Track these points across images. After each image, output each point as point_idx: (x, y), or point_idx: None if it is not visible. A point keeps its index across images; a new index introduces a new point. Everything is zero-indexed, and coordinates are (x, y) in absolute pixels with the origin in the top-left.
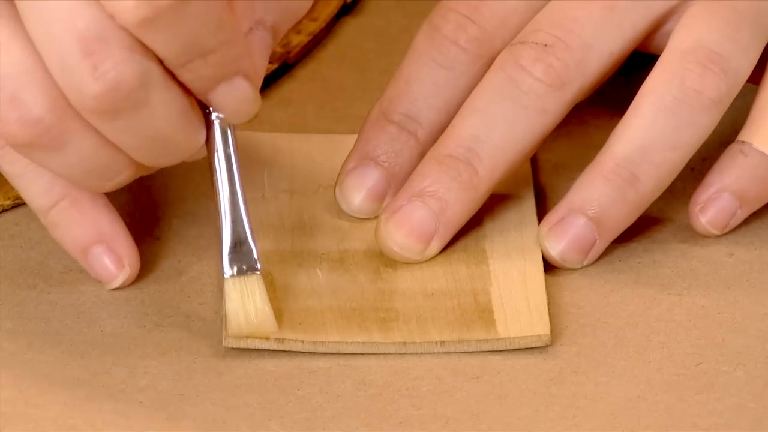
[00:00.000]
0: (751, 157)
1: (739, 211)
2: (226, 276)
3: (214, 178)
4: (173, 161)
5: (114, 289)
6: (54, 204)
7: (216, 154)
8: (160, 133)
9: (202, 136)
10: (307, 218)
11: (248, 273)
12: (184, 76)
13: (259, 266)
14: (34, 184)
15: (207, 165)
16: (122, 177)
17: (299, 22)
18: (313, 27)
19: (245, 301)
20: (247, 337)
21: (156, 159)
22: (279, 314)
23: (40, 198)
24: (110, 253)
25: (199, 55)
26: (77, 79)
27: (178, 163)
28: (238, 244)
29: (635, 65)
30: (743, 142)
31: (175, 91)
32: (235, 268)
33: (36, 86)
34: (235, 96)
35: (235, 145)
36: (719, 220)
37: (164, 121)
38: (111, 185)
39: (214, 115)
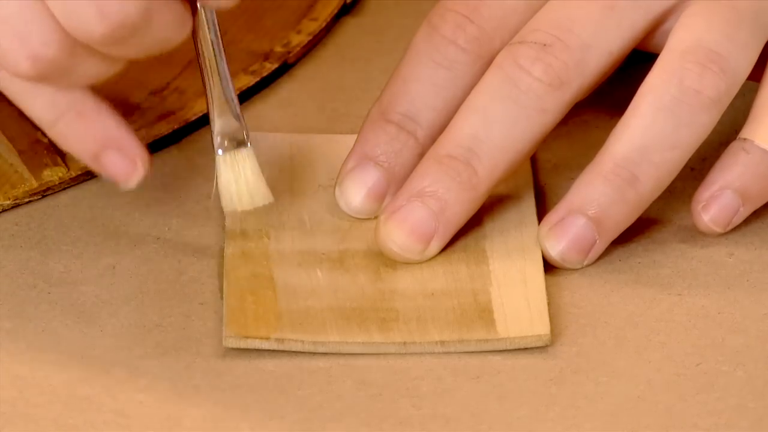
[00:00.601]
0: (753, 154)
1: (741, 209)
2: (218, 154)
3: (200, 61)
4: (163, 51)
5: (130, 188)
6: (60, 116)
7: (202, 40)
8: (159, 42)
9: (190, 24)
10: (307, 218)
11: (239, 148)
12: None
13: (249, 142)
14: (38, 100)
15: (203, 171)
16: (117, 72)
17: (299, 23)
18: (313, 27)
19: (237, 175)
20: (247, 338)
21: (151, 55)
22: (279, 314)
23: (45, 113)
24: (122, 154)
25: None
26: (83, 21)
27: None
28: (228, 123)
29: (635, 64)
30: (745, 139)
31: (172, 4)
32: (226, 143)
33: (44, 23)
34: None
35: (219, 29)
36: (722, 217)
37: (164, 33)
38: (105, 78)
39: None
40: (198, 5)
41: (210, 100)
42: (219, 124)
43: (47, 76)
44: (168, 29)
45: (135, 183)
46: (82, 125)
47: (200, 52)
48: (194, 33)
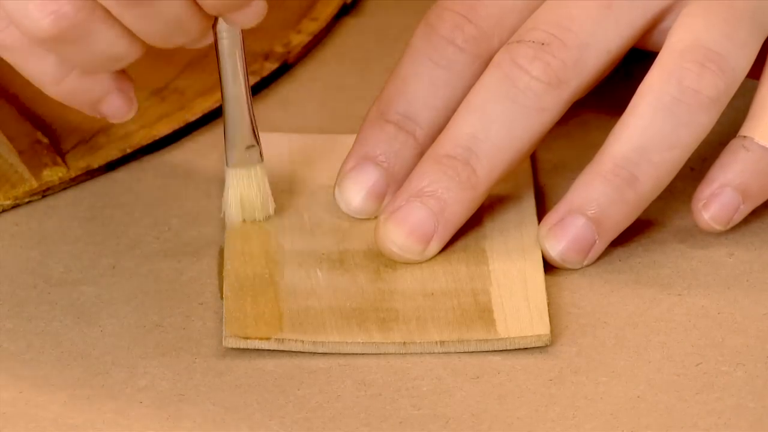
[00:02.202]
0: (752, 151)
1: (742, 206)
2: (228, 167)
3: (222, 81)
4: (180, 44)
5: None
6: (68, 72)
7: (224, 57)
8: (177, 18)
9: (210, 20)
10: (307, 218)
11: (254, 164)
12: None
13: (263, 158)
14: (48, 56)
15: (203, 171)
16: (132, 59)
17: (299, 23)
18: (313, 27)
19: (249, 189)
20: (247, 338)
21: (166, 42)
22: (279, 314)
23: (54, 68)
24: (123, 95)
25: None
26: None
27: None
28: (243, 139)
29: (633, 63)
30: (745, 136)
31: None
32: (240, 157)
33: None
34: (254, 14)
35: (243, 49)
36: (722, 215)
37: (181, 7)
38: (120, 66)
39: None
40: (216, 26)
41: (228, 116)
42: (236, 140)
43: (66, 38)
44: (185, 3)
45: (131, 116)
46: (90, 77)
47: (224, 71)
48: (216, 50)
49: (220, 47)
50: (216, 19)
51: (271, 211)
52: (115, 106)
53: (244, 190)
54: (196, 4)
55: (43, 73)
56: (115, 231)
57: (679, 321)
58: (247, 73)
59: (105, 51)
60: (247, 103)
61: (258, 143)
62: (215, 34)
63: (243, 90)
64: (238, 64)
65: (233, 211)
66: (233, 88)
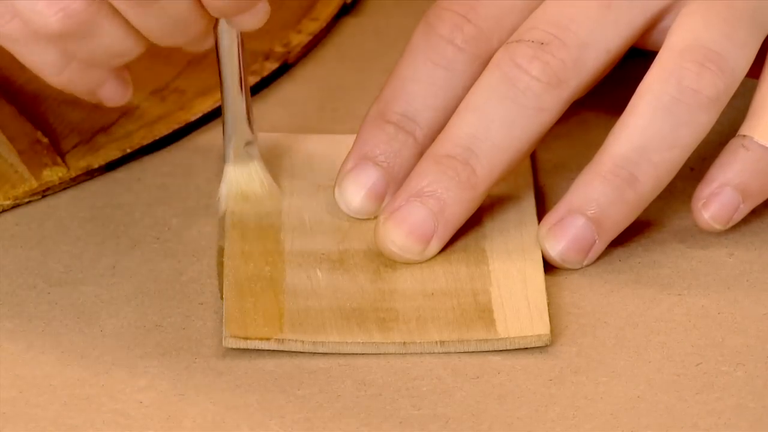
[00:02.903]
0: (752, 151)
1: (742, 206)
2: (228, 164)
3: (221, 76)
4: (181, 43)
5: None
6: (69, 63)
7: (224, 56)
8: (180, 18)
9: (212, 21)
10: (307, 218)
11: (251, 160)
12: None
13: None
14: (50, 49)
15: (203, 171)
16: (134, 56)
17: (299, 23)
18: (313, 27)
19: (243, 184)
20: (247, 338)
21: (168, 40)
22: (279, 314)
23: (56, 59)
24: (120, 81)
25: None
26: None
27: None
28: (242, 136)
29: (635, 64)
30: (744, 136)
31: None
32: (238, 154)
33: None
34: (257, 17)
35: (242, 46)
36: (722, 215)
37: (186, 7)
38: (121, 62)
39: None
40: (217, 26)
41: (226, 113)
42: (234, 136)
43: (74, 33)
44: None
45: (127, 101)
46: (89, 67)
47: (221, 68)
48: (216, 49)
49: (220, 46)
50: (217, 19)
51: (279, 196)
52: (113, 92)
53: (245, 184)
54: (201, 5)
55: (44, 63)
56: (115, 231)
57: (679, 321)
58: (246, 71)
59: (109, 47)
60: (246, 100)
61: (255, 140)
62: (216, 33)
63: (242, 88)
64: (238, 62)
65: (234, 202)
66: (232, 86)
